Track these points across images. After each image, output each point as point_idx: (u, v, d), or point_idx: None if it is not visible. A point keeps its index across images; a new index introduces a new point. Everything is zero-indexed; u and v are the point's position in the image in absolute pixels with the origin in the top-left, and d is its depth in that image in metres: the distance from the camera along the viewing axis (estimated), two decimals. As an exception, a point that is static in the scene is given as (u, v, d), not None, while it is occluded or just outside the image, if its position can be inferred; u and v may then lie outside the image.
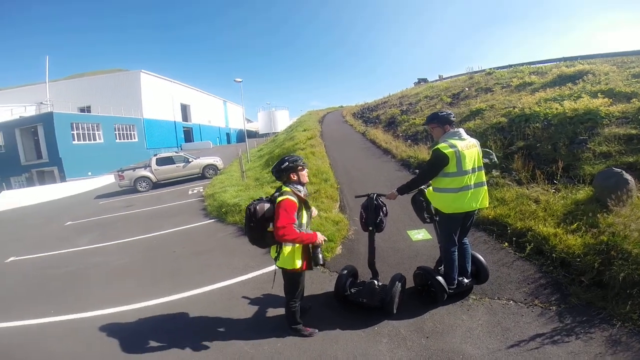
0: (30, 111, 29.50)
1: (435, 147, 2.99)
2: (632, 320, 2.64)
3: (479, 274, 3.40)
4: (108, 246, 6.92)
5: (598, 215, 3.88)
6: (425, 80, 32.34)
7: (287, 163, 2.83)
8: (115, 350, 3.15)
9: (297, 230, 2.64)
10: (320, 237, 2.81)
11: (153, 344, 3.18)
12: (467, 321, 2.97)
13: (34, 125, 26.72)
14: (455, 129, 3.09)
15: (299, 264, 2.77)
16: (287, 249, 2.75)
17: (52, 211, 13.83)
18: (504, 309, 3.09)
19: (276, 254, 2.83)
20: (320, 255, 2.80)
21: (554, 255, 3.60)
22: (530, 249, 3.89)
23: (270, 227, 2.71)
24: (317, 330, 3.06)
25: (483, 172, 3.09)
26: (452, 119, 3.12)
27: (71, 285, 5.03)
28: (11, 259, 6.92)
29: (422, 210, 3.40)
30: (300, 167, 2.87)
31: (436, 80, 26.02)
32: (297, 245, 2.76)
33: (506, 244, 4.25)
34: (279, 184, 2.94)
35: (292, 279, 2.88)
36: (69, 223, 10.35)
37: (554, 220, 4.23)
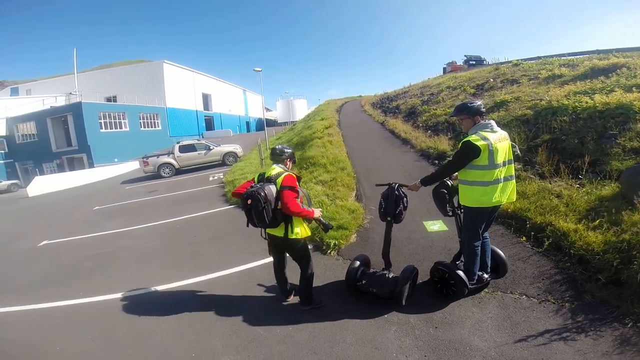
0: (61, 101, 31.13)
1: (466, 138, 2.89)
2: (645, 321, 2.57)
3: (498, 269, 3.38)
4: (134, 230, 7.28)
5: (622, 212, 3.75)
6: (478, 60, 27.37)
7: (290, 150, 3.36)
8: (139, 330, 3.37)
9: (301, 206, 3.00)
10: (317, 213, 3.20)
11: (173, 325, 3.38)
12: (477, 313, 2.98)
13: (64, 115, 28.18)
14: (487, 121, 2.97)
15: (306, 232, 3.18)
16: (296, 225, 3.10)
17: (81, 196, 14.62)
18: (516, 303, 3.07)
19: (284, 231, 3.09)
20: (326, 223, 3.31)
21: (572, 251, 3.53)
22: (548, 244, 3.83)
23: (279, 205, 2.98)
24: (324, 304, 3.38)
25: (513, 165, 3.00)
26: (483, 109, 3.02)
27: (100, 267, 5.31)
28: (44, 242, 7.32)
29: (445, 203, 3.32)
30: (294, 161, 3.45)
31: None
32: (302, 219, 3.14)
33: (524, 238, 4.19)
34: (295, 171, 3.26)
35: (302, 249, 3.22)
36: (97, 208, 10.91)
37: (576, 216, 4.11)
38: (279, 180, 2.99)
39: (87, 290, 4.43)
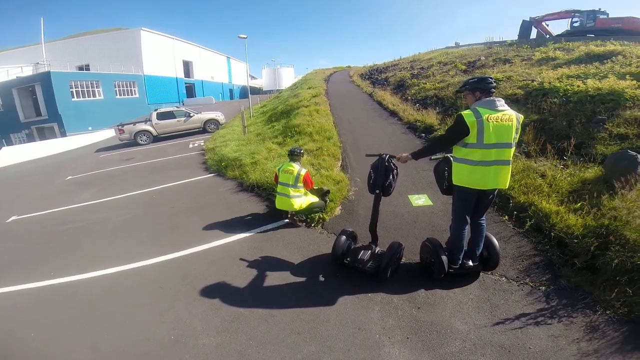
0: (27, 71, 29.05)
1: (460, 112, 2.74)
2: (613, 308, 2.62)
3: (489, 260, 3.15)
4: (109, 201, 6.96)
5: (603, 197, 3.78)
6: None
7: (302, 150, 4.90)
8: (115, 312, 3.22)
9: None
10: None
11: (151, 305, 3.25)
12: (459, 294, 2.99)
13: (31, 85, 26.57)
14: (492, 98, 2.73)
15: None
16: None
17: (52, 166, 13.79)
18: (495, 285, 3.09)
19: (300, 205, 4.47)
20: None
21: (552, 233, 3.55)
22: (529, 225, 3.83)
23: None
24: (304, 225, 4.62)
25: (511, 149, 2.71)
26: (487, 85, 2.75)
27: (72, 244, 4.99)
28: (12, 218, 6.75)
29: (443, 180, 3.12)
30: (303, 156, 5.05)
31: (451, 47, 24.20)
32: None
33: (506, 217, 4.20)
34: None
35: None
36: (70, 177, 10.36)
37: (558, 197, 4.15)
38: (302, 173, 4.48)
39: (59, 270, 4.15)
